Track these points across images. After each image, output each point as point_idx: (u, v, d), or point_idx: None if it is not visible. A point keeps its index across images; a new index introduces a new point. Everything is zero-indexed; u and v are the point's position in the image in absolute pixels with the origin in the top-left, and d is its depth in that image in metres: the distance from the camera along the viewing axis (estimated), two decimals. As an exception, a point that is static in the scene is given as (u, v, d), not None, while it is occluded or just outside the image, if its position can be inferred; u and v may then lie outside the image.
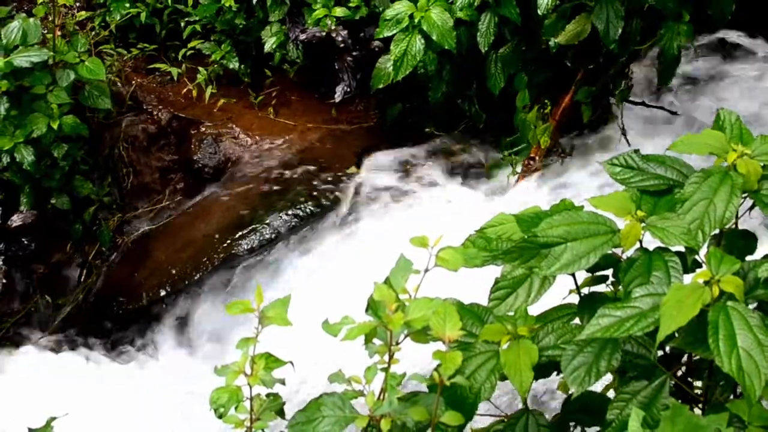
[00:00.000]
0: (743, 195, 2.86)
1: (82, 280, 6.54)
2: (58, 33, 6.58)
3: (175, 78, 7.26)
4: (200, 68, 7.22)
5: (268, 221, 6.19)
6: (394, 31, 6.13)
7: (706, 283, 2.66)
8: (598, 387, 3.15)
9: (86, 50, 6.60)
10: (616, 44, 5.66)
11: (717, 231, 2.85)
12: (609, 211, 2.93)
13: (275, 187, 6.43)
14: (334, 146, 6.82)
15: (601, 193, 3.03)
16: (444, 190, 6.34)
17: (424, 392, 2.94)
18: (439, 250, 2.87)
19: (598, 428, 3.03)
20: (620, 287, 2.91)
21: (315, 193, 6.34)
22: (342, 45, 6.78)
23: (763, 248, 3.03)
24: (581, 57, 6.08)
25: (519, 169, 6.29)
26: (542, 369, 3.01)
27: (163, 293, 6.19)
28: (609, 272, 3.12)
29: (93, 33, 7.28)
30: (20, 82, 6.24)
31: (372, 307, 2.84)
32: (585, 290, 3.15)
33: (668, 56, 5.81)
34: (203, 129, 6.95)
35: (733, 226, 2.98)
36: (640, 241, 2.88)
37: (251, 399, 2.92)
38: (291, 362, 2.96)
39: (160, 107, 7.02)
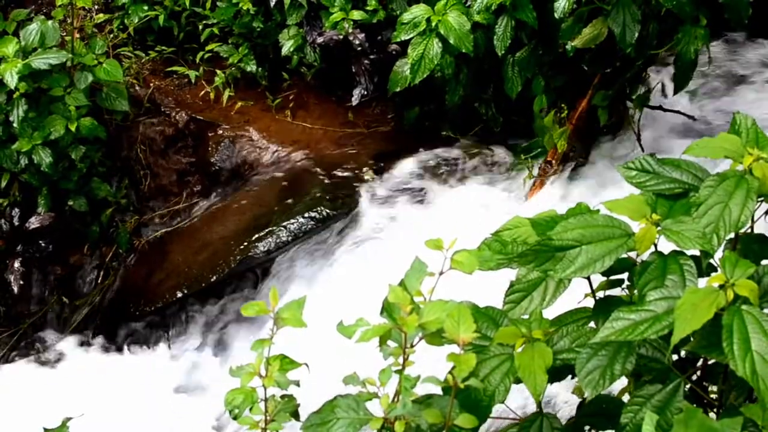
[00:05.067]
0: (759, 199, 2.86)
1: (99, 281, 6.56)
2: (77, 35, 6.61)
3: (193, 81, 7.28)
4: (218, 71, 7.24)
5: (284, 224, 6.19)
6: (412, 35, 6.14)
7: (721, 286, 2.66)
8: (614, 391, 3.16)
9: (104, 52, 6.62)
10: (632, 48, 5.64)
11: (732, 235, 2.85)
12: (624, 215, 2.93)
13: (292, 190, 6.43)
14: (351, 149, 6.82)
15: (616, 197, 3.01)
16: (460, 194, 6.33)
17: (438, 395, 2.95)
18: (454, 252, 2.88)
19: (612, 432, 3.03)
20: (635, 291, 2.91)
21: (332, 196, 6.34)
22: (359, 48, 6.79)
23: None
24: (598, 61, 6.07)
25: (535, 172, 6.29)
26: (557, 372, 3.02)
27: (179, 295, 6.21)
28: (624, 276, 3.12)
29: (111, 35, 7.30)
30: (38, 84, 6.27)
31: (387, 309, 2.85)
32: (600, 294, 3.15)
33: (685, 60, 5.79)
34: (220, 132, 6.96)
35: (749, 230, 2.98)
36: (655, 245, 2.88)
37: (266, 400, 2.93)
38: (306, 364, 2.97)
39: (178, 110, 7.04)
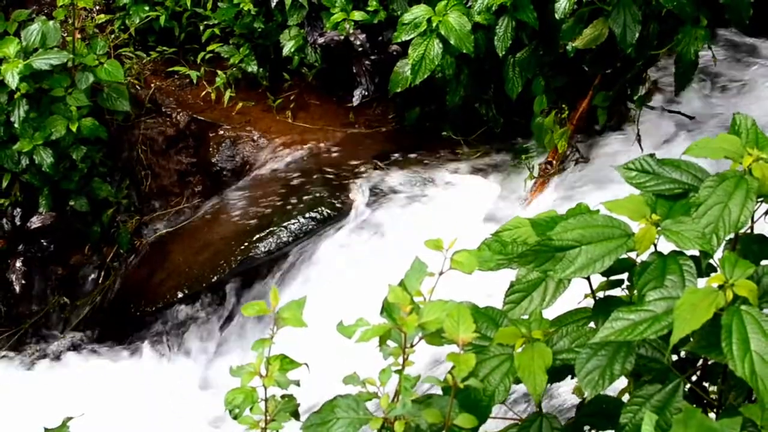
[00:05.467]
0: (758, 199, 2.86)
1: (100, 281, 6.57)
2: (78, 36, 6.61)
3: (194, 81, 7.29)
4: (219, 71, 7.25)
5: (285, 224, 6.20)
6: (412, 35, 6.14)
7: (720, 287, 2.66)
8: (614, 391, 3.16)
9: (105, 53, 6.62)
10: (633, 48, 5.65)
11: (732, 235, 2.85)
12: (624, 215, 2.93)
13: (293, 191, 6.44)
14: (351, 150, 6.83)
15: (616, 197, 3.01)
16: (461, 194, 6.34)
17: (438, 395, 2.95)
18: (454, 252, 2.88)
19: (612, 432, 3.03)
20: (635, 291, 2.91)
21: (332, 197, 6.35)
22: (360, 49, 6.79)
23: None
24: (598, 61, 6.08)
25: (536, 173, 6.29)
26: (556, 372, 3.02)
27: (180, 295, 6.22)
28: (624, 276, 3.12)
29: (112, 36, 7.31)
30: (39, 84, 6.28)
31: (386, 309, 2.85)
32: (600, 294, 3.15)
33: (685, 61, 5.80)
34: (222, 132, 6.97)
35: (748, 231, 2.98)
36: (655, 245, 2.88)
37: (266, 400, 2.93)
38: (306, 364, 2.98)
39: (179, 110, 7.04)
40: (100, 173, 6.62)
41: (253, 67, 7.20)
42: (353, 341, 2.78)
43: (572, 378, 3.03)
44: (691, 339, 2.74)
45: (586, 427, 3.18)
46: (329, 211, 6.25)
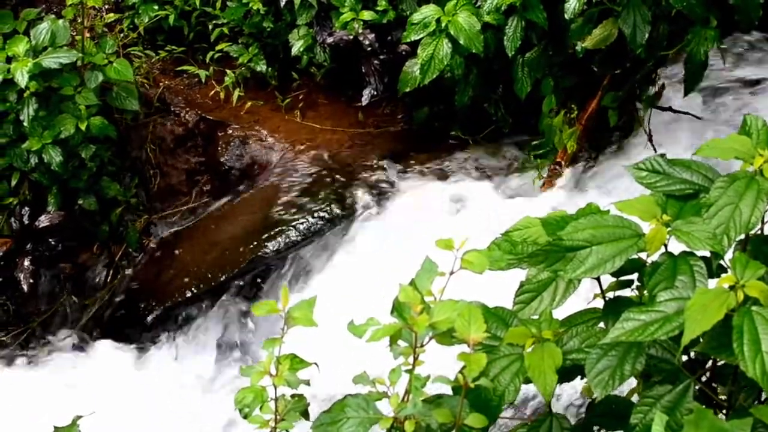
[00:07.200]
0: (769, 200, 2.86)
1: (108, 280, 6.56)
2: (87, 35, 6.61)
3: (203, 80, 7.29)
4: (228, 71, 7.25)
5: (294, 223, 6.20)
6: (422, 35, 6.14)
7: (731, 287, 2.66)
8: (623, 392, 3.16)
9: (114, 52, 6.62)
10: (642, 49, 5.65)
11: (742, 236, 2.85)
12: (634, 215, 2.94)
13: (301, 190, 6.44)
14: (360, 149, 6.83)
15: (627, 198, 3.01)
16: (470, 194, 6.33)
17: (448, 394, 2.95)
18: (465, 252, 2.88)
19: (622, 432, 3.03)
20: (645, 291, 2.91)
21: (341, 196, 6.35)
22: (369, 48, 6.79)
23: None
24: (608, 62, 6.07)
25: (545, 173, 6.29)
26: (566, 373, 3.02)
27: (188, 294, 6.21)
28: (634, 276, 3.12)
29: (121, 35, 7.32)
30: (49, 83, 6.28)
31: (397, 308, 2.86)
32: (610, 295, 3.15)
33: (695, 61, 5.79)
34: (230, 131, 6.97)
35: (759, 232, 2.98)
36: (666, 246, 2.88)
37: (276, 399, 2.93)
38: (316, 363, 2.98)
39: (188, 109, 7.05)
40: (109, 172, 6.62)
41: (261, 67, 7.20)
42: (364, 341, 2.78)
43: (582, 378, 3.03)
44: (702, 340, 2.74)
45: (596, 428, 3.18)
46: (338, 210, 6.25)
